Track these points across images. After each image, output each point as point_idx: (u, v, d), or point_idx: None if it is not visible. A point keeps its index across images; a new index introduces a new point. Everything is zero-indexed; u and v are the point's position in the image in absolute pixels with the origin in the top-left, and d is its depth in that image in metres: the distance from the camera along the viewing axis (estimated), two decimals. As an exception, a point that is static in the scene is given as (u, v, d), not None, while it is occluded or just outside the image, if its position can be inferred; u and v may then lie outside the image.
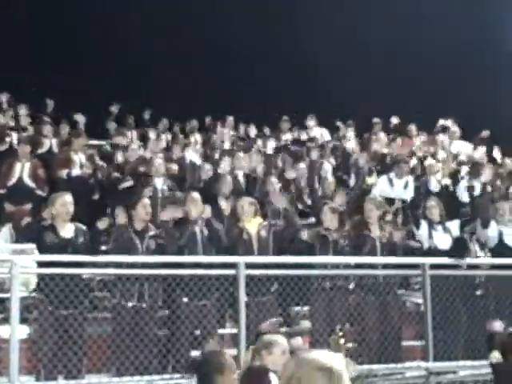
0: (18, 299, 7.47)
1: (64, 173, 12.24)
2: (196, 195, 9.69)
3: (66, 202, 8.49)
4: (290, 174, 12.78)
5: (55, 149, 13.75)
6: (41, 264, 8.06)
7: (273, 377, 5.96)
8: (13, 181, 12.06)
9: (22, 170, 12.10)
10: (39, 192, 12.12)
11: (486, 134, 16.10)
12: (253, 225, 9.73)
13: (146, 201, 9.20)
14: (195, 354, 8.78)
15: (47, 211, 8.66)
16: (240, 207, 9.84)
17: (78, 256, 8.12)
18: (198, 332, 8.96)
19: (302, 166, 13.16)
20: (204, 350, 6.61)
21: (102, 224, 8.62)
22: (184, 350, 8.59)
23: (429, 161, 14.31)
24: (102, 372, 8.32)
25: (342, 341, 9.04)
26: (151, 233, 9.02)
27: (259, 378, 5.95)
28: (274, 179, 11.94)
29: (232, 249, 9.43)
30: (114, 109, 16.10)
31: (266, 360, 6.07)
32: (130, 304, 8.48)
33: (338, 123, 16.66)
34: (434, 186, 13.34)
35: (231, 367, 5.46)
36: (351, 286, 9.81)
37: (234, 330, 8.87)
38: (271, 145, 15.39)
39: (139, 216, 8.95)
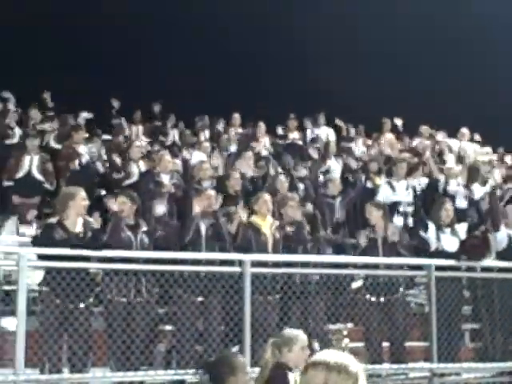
0: (24, 292, 7.47)
1: (76, 163, 12.31)
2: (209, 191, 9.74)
3: (84, 196, 8.54)
4: (299, 173, 12.77)
5: (52, 144, 13.75)
6: (48, 257, 8.07)
7: (291, 376, 5.97)
8: (21, 173, 12.09)
9: (31, 163, 12.14)
10: (47, 185, 12.15)
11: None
12: (267, 224, 9.72)
13: (122, 198, 9.17)
14: (199, 348, 8.83)
15: (59, 205, 8.64)
16: (262, 202, 9.81)
17: (83, 250, 8.12)
18: (201, 328, 8.98)
19: (310, 165, 13.16)
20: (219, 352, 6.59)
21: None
22: (189, 345, 8.61)
23: (449, 163, 14.28)
24: (107, 366, 8.35)
25: (345, 340, 9.10)
26: (143, 228, 9.05)
27: (279, 376, 5.95)
28: (283, 178, 11.96)
29: (245, 247, 9.38)
30: (115, 104, 16.01)
31: (285, 357, 6.07)
32: (124, 299, 8.50)
33: (339, 122, 16.60)
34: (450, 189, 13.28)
35: (244, 368, 5.49)
36: (356, 286, 9.84)
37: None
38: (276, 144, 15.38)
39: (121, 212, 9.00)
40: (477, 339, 10.31)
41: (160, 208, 10.80)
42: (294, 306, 9.29)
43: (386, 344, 9.48)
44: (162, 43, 19.08)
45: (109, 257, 8.31)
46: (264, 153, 14.44)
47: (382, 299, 9.44)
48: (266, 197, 9.94)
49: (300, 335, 6.30)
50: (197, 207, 9.44)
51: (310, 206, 11.20)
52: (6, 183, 12.16)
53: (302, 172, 12.92)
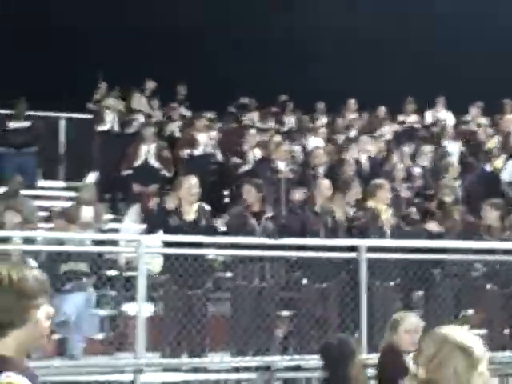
0: (144, 278, 7.67)
1: (186, 152, 12.53)
2: (326, 183, 9.70)
3: (191, 184, 8.65)
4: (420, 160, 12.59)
5: (177, 133, 14.02)
6: (166, 245, 8.27)
7: (407, 358, 5.90)
8: (139, 162, 12.41)
9: (148, 152, 12.44)
10: (165, 172, 12.43)
11: None
12: (384, 210, 9.65)
13: (248, 187, 9.20)
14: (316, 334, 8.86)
15: (173, 195, 8.85)
16: (383, 190, 9.75)
17: (201, 237, 8.27)
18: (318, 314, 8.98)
19: (429, 149, 12.95)
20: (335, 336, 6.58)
21: None
22: (305, 332, 8.66)
23: None
24: (224, 351, 8.49)
25: (466, 327, 8.92)
26: (269, 214, 9.11)
27: (394, 359, 5.92)
28: (400, 165, 11.85)
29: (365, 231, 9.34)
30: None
31: (394, 340, 6.05)
32: (251, 285, 8.58)
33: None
34: None
35: (358, 354, 5.54)
36: (477, 274, 9.66)
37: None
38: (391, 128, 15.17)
39: (250, 199, 9.02)
40: None
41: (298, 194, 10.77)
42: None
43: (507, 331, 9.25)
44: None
45: (234, 243, 8.45)
46: (387, 137, 14.29)
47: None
48: (387, 186, 9.85)
49: (406, 317, 6.19)
50: (319, 198, 9.43)
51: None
52: (126, 172, 12.47)
53: (423, 159, 12.71)
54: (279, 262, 8.72)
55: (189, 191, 8.59)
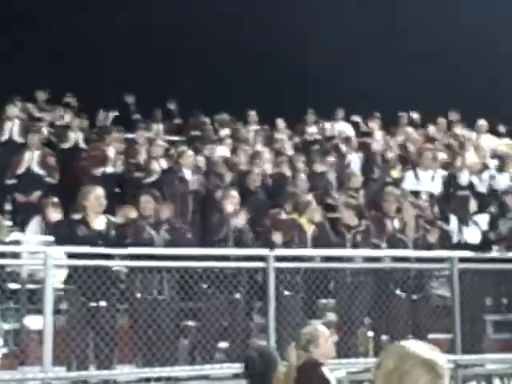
0: (51, 290, 7.56)
1: (99, 171, 12.41)
2: (234, 193, 9.84)
3: (98, 195, 8.61)
4: (319, 168, 12.82)
5: (82, 144, 13.88)
6: (73, 256, 8.17)
7: (325, 370, 5.98)
8: (22, 170, 12.22)
9: (32, 159, 12.26)
10: (49, 179, 12.27)
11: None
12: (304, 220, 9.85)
13: (145, 198, 9.25)
14: (223, 345, 8.91)
15: (78, 205, 8.76)
16: (308, 202, 9.94)
17: (108, 248, 8.21)
18: (225, 324, 9.04)
19: (331, 159, 13.19)
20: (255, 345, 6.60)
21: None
22: (213, 341, 8.69)
23: (469, 156, 14.29)
24: (133, 363, 8.43)
25: (370, 333, 9.15)
26: (165, 226, 9.16)
27: (315, 373, 5.94)
28: (303, 176, 12.05)
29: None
30: (130, 100, 15.92)
31: (313, 354, 6.01)
32: (149, 296, 8.57)
33: (357, 118, 16.60)
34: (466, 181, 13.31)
35: (279, 362, 5.58)
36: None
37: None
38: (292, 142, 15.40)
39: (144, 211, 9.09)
40: (504, 330, 10.30)
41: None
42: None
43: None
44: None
45: (133, 255, 8.41)
46: (286, 149, 14.49)
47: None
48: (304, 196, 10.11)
49: (320, 328, 6.23)
50: (229, 206, 9.53)
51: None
52: (10, 181, 12.24)
53: (323, 168, 12.96)
54: (179, 273, 8.68)
55: (96, 201, 8.53)
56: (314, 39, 19.24)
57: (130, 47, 18.64)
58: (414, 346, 2.88)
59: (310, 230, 9.85)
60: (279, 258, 8.63)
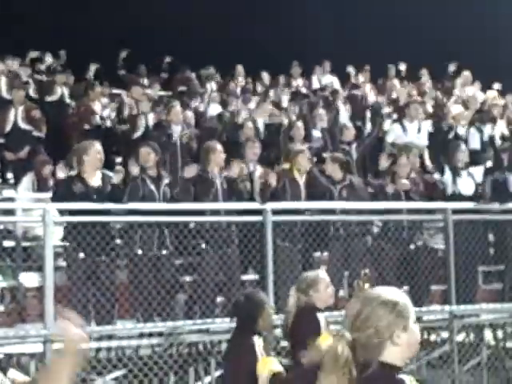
0: (51, 247, 7.53)
1: (87, 126, 12.32)
2: (218, 146, 9.54)
3: (98, 150, 8.52)
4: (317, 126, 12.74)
5: (67, 98, 13.78)
6: (71, 212, 8.12)
7: (320, 316, 6.09)
8: (9, 127, 12.10)
9: (17, 115, 12.13)
10: (36, 133, 12.19)
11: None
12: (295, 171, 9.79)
13: (146, 149, 9.17)
14: (219, 299, 8.94)
15: (75, 160, 8.68)
16: (298, 150, 9.87)
17: (106, 204, 8.18)
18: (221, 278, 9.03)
19: (322, 111, 13.13)
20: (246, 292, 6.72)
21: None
22: (212, 295, 8.71)
23: (456, 108, 14.32)
24: (133, 318, 8.45)
25: (366, 285, 9.17)
26: (166, 180, 9.08)
27: (308, 317, 6.04)
28: (300, 124, 11.98)
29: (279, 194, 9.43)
30: (124, 55, 15.76)
31: (312, 298, 6.13)
32: (150, 253, 8.55)
33: (350, 69, 16.52)
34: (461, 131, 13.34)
35: (269, 305, 5.74)
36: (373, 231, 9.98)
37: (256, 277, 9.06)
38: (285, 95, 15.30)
39: (146, 163, 9.02)
40: (494, 281, 10.40)
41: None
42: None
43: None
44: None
45: (132, 210, 8.38)
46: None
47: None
48: (306, 152, 10.01)
49: (321, 274, 6.35)
50: (214, 165, 9.34)
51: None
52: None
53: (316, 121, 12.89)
54: (177, 228, 8.65)
55: (97, 156, 8.45)
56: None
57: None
58: (378, 291, 3.05)
59: (302, 180, 9.72)
60: (275, 211, 8.65)
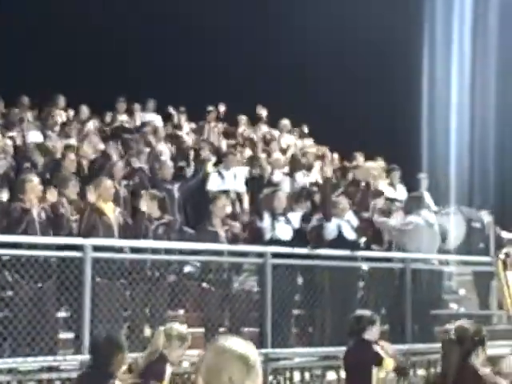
0: None
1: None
2: (36, 180, 9.32)
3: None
4: (136, 163, 12.61)
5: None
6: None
7: (168, 368, 6.12)
8: None
9: None
10: None
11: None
12: (110, 208, 9.60)
13: None
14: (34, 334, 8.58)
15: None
16: (104, 187, 9.63)
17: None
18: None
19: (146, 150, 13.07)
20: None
21: None
22: (25, 332, 8.34)
23: (276, 154, 14.71)
24: None
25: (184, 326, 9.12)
26: None
27: (159, 367, 6.09)
28: (120, 164, 11.84)
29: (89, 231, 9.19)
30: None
31: (170, 350, 6.17)
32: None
33: (171, 109, 16.58)
34: (277, 178, 13.68)
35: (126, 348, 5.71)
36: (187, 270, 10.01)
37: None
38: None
39: None
40: (307, 325, 10.62)
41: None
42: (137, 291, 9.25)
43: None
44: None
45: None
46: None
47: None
48: (109, 183, 9.80)
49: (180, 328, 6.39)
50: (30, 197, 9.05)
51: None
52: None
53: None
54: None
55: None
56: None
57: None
58: (231, 342, 3.09)
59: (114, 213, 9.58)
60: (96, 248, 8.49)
